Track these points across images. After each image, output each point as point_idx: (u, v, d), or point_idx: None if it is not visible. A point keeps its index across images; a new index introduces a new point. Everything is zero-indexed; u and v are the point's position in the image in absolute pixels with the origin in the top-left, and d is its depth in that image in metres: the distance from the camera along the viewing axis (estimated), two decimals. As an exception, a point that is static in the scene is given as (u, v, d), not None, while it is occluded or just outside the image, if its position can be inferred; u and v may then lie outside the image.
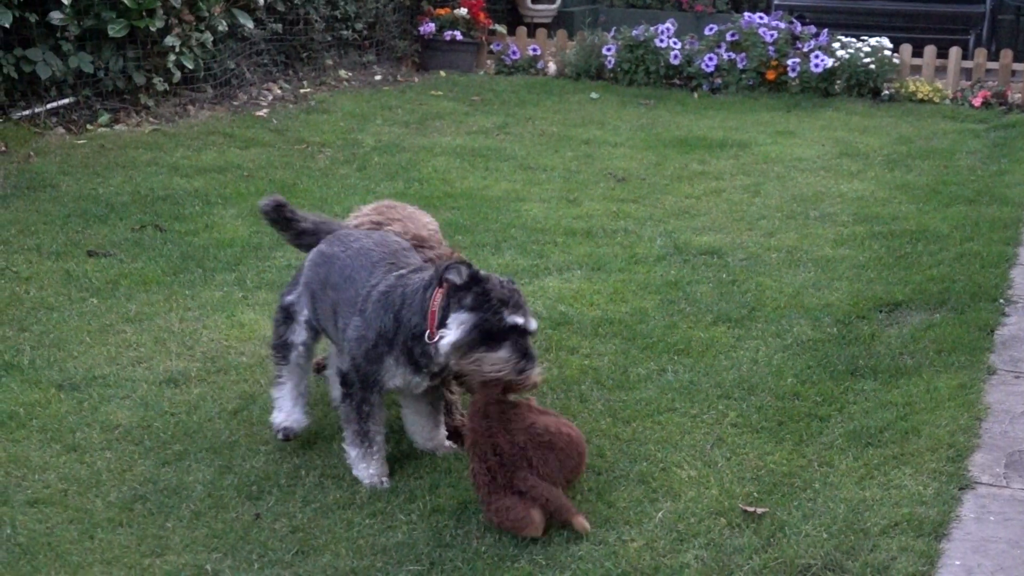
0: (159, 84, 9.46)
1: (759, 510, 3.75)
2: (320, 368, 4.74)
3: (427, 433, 4.13)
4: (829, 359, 4.99)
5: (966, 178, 8.27)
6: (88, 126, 8.92)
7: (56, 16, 8.48)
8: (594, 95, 11.77)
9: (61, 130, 8.70)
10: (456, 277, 3.62)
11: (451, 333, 3.61)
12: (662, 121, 10.51)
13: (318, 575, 3.41)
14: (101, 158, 8.18)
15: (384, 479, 3.92)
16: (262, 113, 10.06)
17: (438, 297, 3.67)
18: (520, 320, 3.62)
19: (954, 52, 12.11)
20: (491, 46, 13.37)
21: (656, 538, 3.60)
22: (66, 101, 8.96)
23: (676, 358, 5.01)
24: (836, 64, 11.69)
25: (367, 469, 3.90)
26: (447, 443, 4.16)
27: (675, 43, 12.21)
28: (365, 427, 3.87)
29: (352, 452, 3.92)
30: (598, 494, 3.86)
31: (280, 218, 4.28)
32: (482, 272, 3.68)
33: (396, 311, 3.76)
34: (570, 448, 3.73)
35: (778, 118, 10.73)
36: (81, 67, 8.78)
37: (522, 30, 13.54)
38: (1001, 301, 5.66)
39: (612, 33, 12.69)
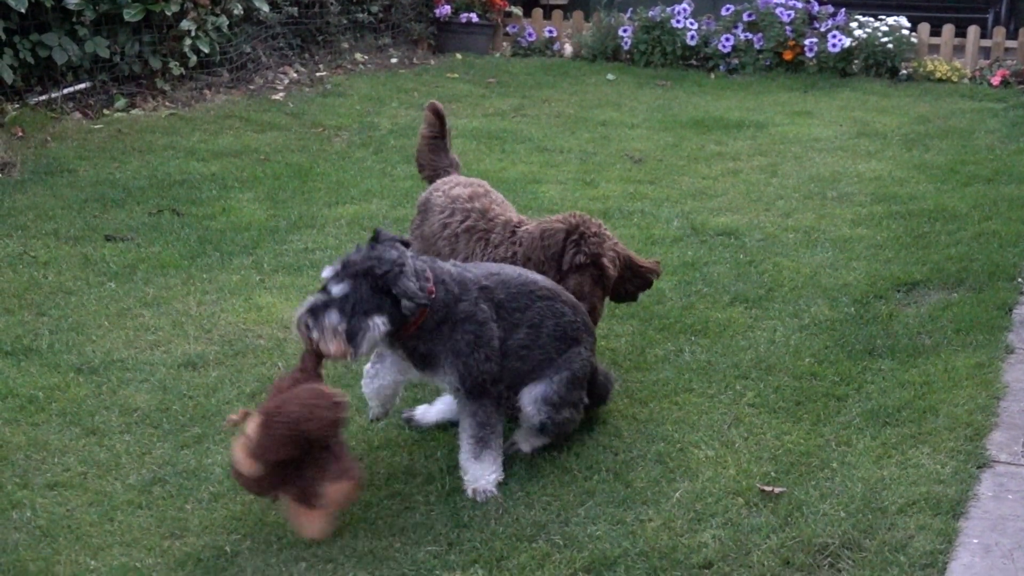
0: (175, 68, 9.47)
1: (777, 489, 3.75)
2: None
3: (464, 456, 3.80)
4: (846, 339, 4.97)
5: (984, 157, 8.22)
6: (104, 111, 8.94)
7: (72, 1, 8.49)
8: (610, 76, 11.74)
9: (78, 115, 8.73)
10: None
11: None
12: (679, 102, 10.48)
13: (336, 556, 3.43)
14: (118, 143, 8.20)
15: (376, 405, 4.03)
16: (278, 97, 10.07)
17: None
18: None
19: (972, 31, 12.02)
20: (507, 28, 13.34)
21: (674, 518, 3.61)
22: (82, 86, 8.98)
23: (693, 339, 5.00)
24: (853, 44, 11.62)
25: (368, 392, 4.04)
26: (487, 485, 3.76)
27: (692, 24, 12.17)
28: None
29: None
30: (616, 474, 3.87)
31: None
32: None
33: None
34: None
35: (795, 98, 10.68)
36: (97, 52, 8.80)
37: (538, 12, 13.50)
38: (1019, 280, 5.63)
39: (628, 14, 12.65)
